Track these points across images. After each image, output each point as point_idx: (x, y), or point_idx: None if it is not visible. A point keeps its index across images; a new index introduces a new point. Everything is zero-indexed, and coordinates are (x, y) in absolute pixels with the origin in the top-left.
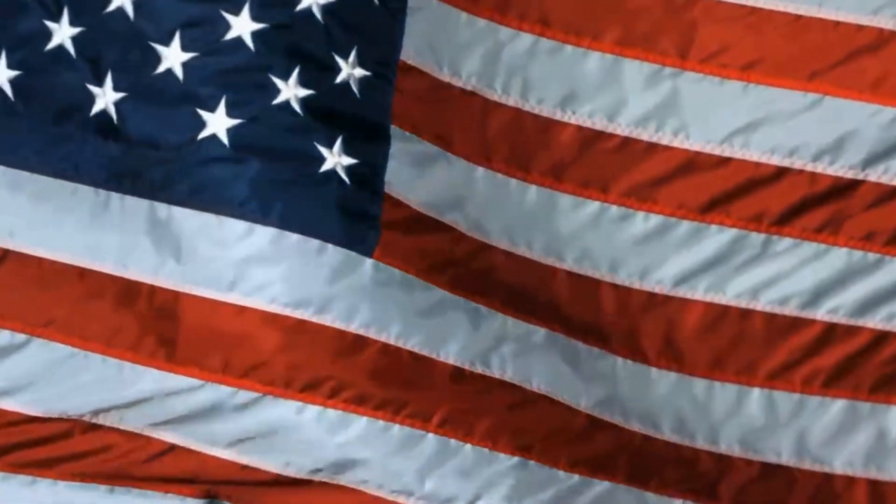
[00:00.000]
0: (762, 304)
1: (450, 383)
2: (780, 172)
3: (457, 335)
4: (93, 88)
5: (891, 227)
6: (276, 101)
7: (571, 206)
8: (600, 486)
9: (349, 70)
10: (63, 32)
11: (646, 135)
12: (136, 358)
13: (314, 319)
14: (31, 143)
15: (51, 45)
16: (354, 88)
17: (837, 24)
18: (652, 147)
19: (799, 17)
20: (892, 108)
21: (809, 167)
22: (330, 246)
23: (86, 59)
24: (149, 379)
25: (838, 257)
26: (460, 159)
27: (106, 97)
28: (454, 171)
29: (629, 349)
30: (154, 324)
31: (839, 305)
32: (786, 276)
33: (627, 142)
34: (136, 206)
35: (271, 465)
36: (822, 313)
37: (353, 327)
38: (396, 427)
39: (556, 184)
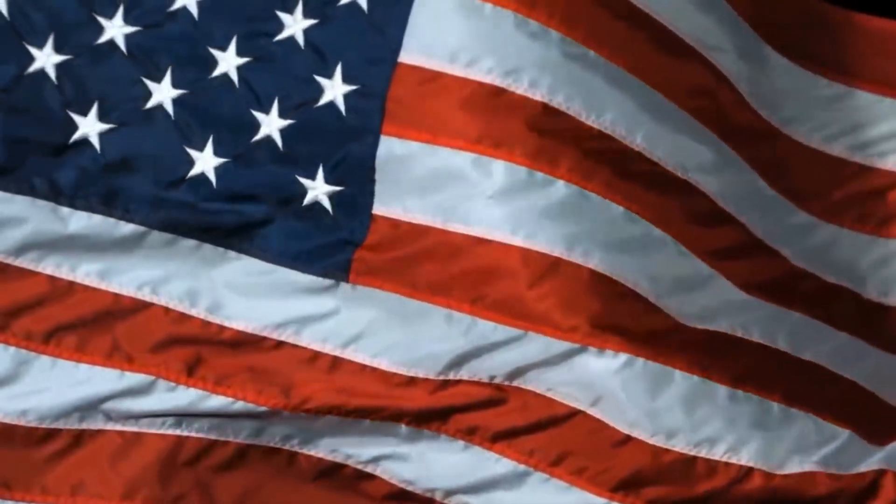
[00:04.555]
0: None
1: None
2: None
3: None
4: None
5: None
6: (257, 137)
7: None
8: None
9: (335, 89)
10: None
11: None
12: None
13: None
14: None
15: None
16: (341, 106)
17: None
18: None
19: None
20: None
21: None
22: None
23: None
24: None
25: None
26: (471, 154)
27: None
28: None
29: None
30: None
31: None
32: None
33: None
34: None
35: None
36: None
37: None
38: None
39: (584, 182)
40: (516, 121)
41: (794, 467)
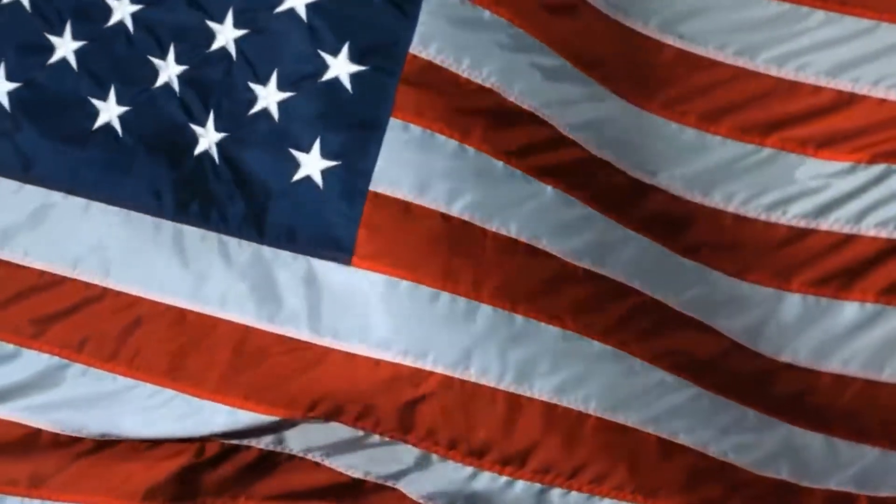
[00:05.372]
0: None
1: None
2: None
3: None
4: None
5: None
6: (254, 110)
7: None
8: None
9: (340, 66)
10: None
11: None
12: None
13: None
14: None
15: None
16: (346, 84)
17: None
18: None
19: None
20: None
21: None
22: (302, 258)
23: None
24: None
25: None
26: (474, 150)
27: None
28: (466, 160)
29: None
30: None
31: None
32: None
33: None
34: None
35: None
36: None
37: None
38: None
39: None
40: (513, 126)
41: (771, 473)
